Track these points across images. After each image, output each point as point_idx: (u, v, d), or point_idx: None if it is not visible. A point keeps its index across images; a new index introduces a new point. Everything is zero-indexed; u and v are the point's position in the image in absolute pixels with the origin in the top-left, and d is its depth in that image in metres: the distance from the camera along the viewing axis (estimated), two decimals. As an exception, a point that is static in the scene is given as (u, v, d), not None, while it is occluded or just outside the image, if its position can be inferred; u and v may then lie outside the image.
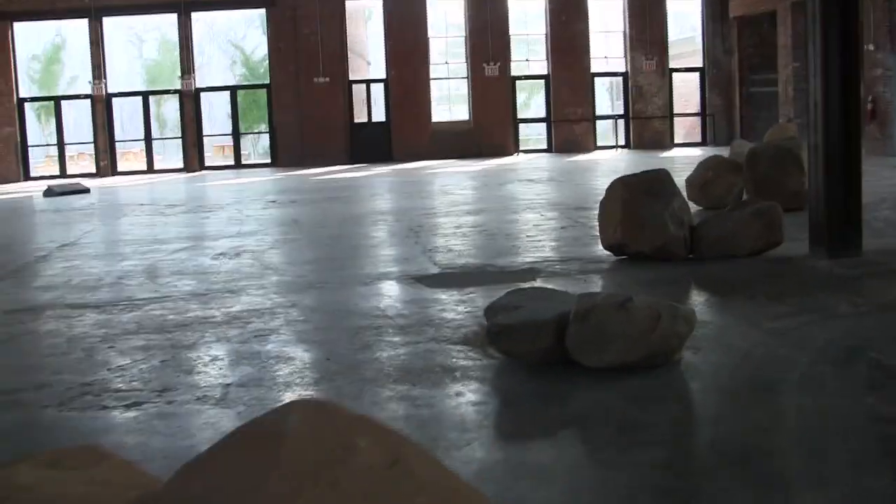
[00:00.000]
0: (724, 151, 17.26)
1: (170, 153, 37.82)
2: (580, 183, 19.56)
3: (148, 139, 34.62)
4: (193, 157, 33.88)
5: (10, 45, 32.65)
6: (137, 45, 54.58)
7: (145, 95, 34.84)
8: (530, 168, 25.85)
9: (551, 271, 9.07)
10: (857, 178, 9.10)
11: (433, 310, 7.45)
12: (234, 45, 53.00)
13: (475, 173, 24.71)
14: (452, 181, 22.08)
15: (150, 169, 34.23)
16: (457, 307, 7.46)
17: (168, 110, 49.19)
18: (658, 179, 9.46)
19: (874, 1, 24.83)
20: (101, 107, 33.23)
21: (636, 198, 9.27)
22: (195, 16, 44.82)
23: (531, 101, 42.95)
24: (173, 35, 52.81)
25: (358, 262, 10.37)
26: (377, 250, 11.33)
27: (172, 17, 40.77)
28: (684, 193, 13.73)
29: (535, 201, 16.05)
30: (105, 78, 33.28)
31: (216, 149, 38.31)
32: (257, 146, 42.26)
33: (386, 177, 25.10)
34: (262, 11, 34.28)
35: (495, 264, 9.68)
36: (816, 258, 9.02)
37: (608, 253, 9.59)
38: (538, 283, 8.36)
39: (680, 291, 8.01)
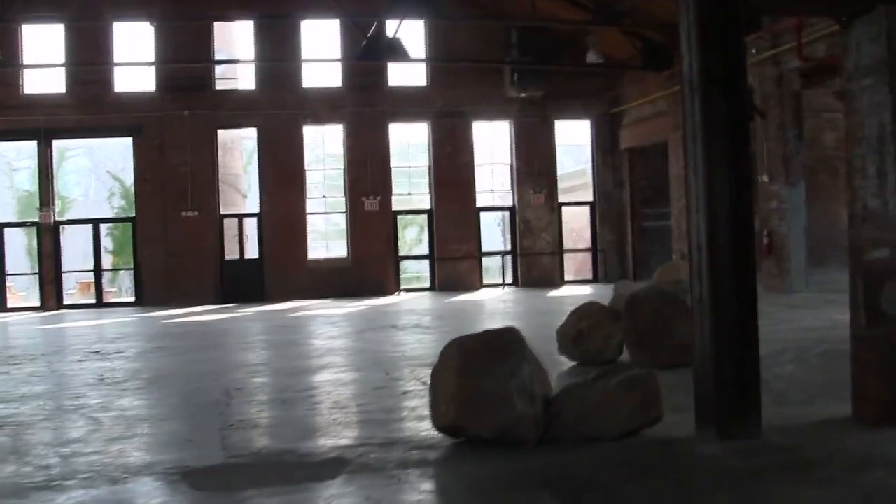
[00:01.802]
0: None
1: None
2: (447, 331, 17.45)
3: (2, 274, 31.85)
4: (50, 295, 31.20)
5: None
6: (9, 174, 52.12)
7: (0, 228, 32.12)
8: (405, 310, 23.80)
9: (362, 462, 6.93)
10: (753, 337, 7.17)
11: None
12: (113, 175, 50.70)
13: (345, 316, 22.61)
14: (315, 326, 19.98)
15: (3, 307, 31.42)
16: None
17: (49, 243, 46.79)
18: (503, 341, 7.44)
19: (766, 130, 23.61)
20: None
21: (475, 365, 7.24)
22: (60, 144, 42.87)
23: (419, 236, 41.26)
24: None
25: (126, 443, 8.06)
26: (167, 425, 9.03)
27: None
28: (555, 346, 11.83)
29: (388, 355, 13.94)
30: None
31: (82, 286, 35.66)
32: (125, 283, 39.77)
33: (247, 320, 22.86)
34: (129, 140, 32.04)
35: (298, 450, 7.52)
36: (704, 442, 7.03)
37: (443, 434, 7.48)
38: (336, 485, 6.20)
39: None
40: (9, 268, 33.47)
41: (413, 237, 42.17)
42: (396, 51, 26.13)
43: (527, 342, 7.52)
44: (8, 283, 33.94)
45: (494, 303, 25.89)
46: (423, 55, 31.66)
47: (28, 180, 50.73)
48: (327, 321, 21.13)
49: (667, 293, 11.24)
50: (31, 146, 33.34)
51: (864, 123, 7.16)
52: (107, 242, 45.01)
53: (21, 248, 41.30)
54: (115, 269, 37.93)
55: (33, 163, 48.36)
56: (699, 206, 7.07)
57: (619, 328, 11.17)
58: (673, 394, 7.99)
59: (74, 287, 36.04)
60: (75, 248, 35.88)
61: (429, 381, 7.75)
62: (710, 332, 7.01)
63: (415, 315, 21.83)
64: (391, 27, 25.71)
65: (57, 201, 49.21)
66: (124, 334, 19.54)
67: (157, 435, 8.53)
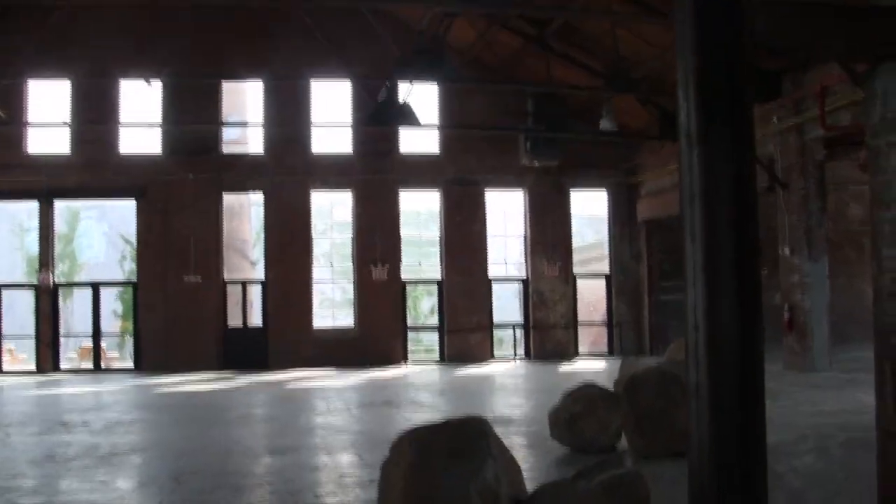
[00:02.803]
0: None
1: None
2: (444, 409, 16.35)
3: (-3, 337, 30.99)
4: (46, 358, 30.26)
5: None
6: (19, 234, 51.45)
7: (-3, 289, 31.22)
8: (407, 384, 22.72)
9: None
10: (759, 433, 6.03)
11: None
12: (125, 238, 49.96)
13: (343, 389, 21.53)
14: (307, 400, 18.94)
15: (-2, 370, 30.55)
16: None
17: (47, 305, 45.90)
18: (465, 433, 6.36)
19: (788, 202, 22.54)
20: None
21: (429, 462, 6.16)
22: (73, 205, 42.30)
23: (427, 306, 40.23)
24: (60, 226, 50.30)
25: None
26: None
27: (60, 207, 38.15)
28: (547, 431, 10.73)
29: (371, 435, 12.83)
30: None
31: (83, 350, 34.65)
32: (125, 350, 38.75)
33: (239, 391, 21.76)
34: (130, 202, 31.23)
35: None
36: (702, 558, 5.88)
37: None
38: None
39: None
40: (11, 329, 32.73)
41: (422, 307, 41.09)
42: (406, 116, 25.31)
43: (493, 435, 6.42)
44: (8, 346, 33.13)
45: (503, 377, 24.74)
46: (435, 122, 30.86)
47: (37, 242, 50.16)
48: (322, 395, 20.03)
49: (670, 374, 10.12)
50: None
51: (891, 184, 6.11)
52: (116, 306, 44.25)
53: (27, 310, 40.45)
54: (112, 335, 36.61)
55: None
56: (696, 278, 6.00)
57: (618, 412, 10.05)
58: (671, 490, 6.94)
59: (76, 351, 35.07)
60: (85, 311, 34.85)
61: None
62: (708, 426, 5.90)
63: (415, 390, 20.75)
64: (402, 92, 24.93)
65: (63, 263, 48.99)
66: (103, 404, 18.52)
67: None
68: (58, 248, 49.96)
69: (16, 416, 16.27)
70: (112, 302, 40.15)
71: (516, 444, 11.22)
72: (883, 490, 6.55)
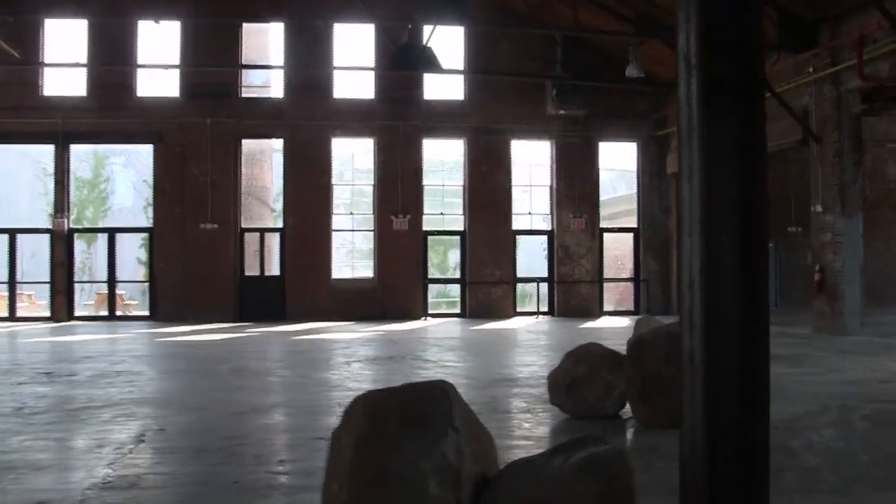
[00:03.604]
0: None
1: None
2: (452, 367, 15.54)
3: (12, 282, 30.47)
4: (61, 305, 29.77)
5: None
6: (43, 179, 50.85)
7: (12, 233, 30.65)
8: (425, 338, 22.00)
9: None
10: (761, 408, 5.19)
11: None
12: (149, 184, 49.31)
13: (353, 342, 20.80)
14: (312, 353, 18.16)
15: (12, 316, 30.07)
16: None
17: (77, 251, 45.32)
18: (426, 400, 5.56)
19: (822, 156, 21.50)
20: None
21: (382, 433, 5.36)
22: (89, 150, 41.63)
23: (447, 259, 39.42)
24: (85, 171, 49.77)
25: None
26: (31, 479, 7.22)
27: (82, 151, 37.49)
28: (545, 394, 9.91)
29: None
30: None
31: (100, 297, 34.10)
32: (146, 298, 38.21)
33: (247, 342, 21.08)
34: (150, 147, 30.54)
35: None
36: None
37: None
38: None
39: None
40: (35, 276, 32.33)
41: (451, 260, 40.20)
42: (429, 60, 24.48)
43: (459, 403, 5.59)
44: (27, 292, 32.69)
45: (522, 333, 23.93)
46: (460, 67, 29.89)
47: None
48: (330, 348, 19.30)
49: (678, 334, 9.24)
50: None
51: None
52: (140, 253, 43.67)
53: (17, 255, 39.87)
54: (136, 283, 36.03)
55: (74, 165, 47.42)
56: (693, 226, 5.16)
57: (622, 376, 9.21)
58: (666, 465, 6.16)
59: (93, 298, 34.58)
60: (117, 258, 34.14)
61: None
62: (703, 399, 5.08)
63: (427, 345, 19.99)
64: (425, 36, 24.05)
65: (88, 209, 48.51)
66: (99, 353, 17.88)
67: (5, 493, 6.72)
68: (83, 193, 49.81)
69: (4, 364, 15.64)
70: (136, 249, 39.46)
71: (513, 408, 10.42)
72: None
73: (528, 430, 9.09)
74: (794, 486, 6.51)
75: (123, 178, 53.60)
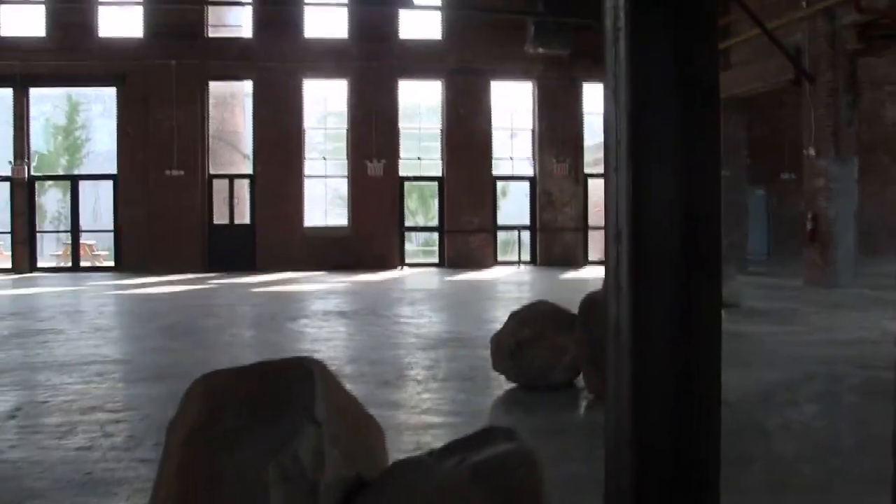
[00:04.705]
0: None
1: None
2: (411, 322, 14.32)
3: (-32, 232, 29.25)
4: (22, 256, 28.50)
5: None
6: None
7: (-28, 182, 29.31)
8: (392, 289, 20.81)
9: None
10: (708, 390, 3.91)
11: None
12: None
13: (319, 293, 19.65)
14: (270, 307, 16.90)
15: (-29, 269, 28.86)
16: None
17: (48, 200, 43.93)
18: (281, 384, 4.33)
19: (815, 96, 20.17)
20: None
21: (222, 425, 4.16)
22: (60, 93, 40.19)
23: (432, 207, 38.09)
24: (59, 118, 48.32)
25: None
26: None
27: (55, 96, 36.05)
28: (489, 359, 8.68)
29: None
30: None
31: (67, 248, 32.80)
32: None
33: (205, 295, 19.86)
34: (113, 91, 29.13)
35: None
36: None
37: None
38: None
39: None
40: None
41: (426, 206, 38.88)
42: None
43: (327, 387, 4.34)
44: (-2, 242, 31.42)
45: (498, 284, 22.75)
46: (437, 3, 28.45)
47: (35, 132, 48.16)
48: (286, 301, 18.06)
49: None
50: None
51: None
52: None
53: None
54: (90, 231, 34.35)
55: (46, 112, 45.91)
56: (619, 157, 3.91)
57: (574, 339, 7.98)
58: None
59: (61, 249, 33.28)
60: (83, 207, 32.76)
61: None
62: (631, 379, 3.84)
63: (392, 298, 18.75)
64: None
65: (63, 157, 47.13)
66: (37, 307, 16.72)
67: None
68: (57, 140, 48.42)
69: None
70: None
71: (454, 374, 9.19)
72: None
73: (463, 402, 7.87)
74: (762, 481, 5.33)
75: (102, 124, 52.18)
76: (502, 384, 8.39)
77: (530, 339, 8.14)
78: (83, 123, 49.55)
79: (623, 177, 3.94)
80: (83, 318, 14.86)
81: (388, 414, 7.13)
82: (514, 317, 8.46)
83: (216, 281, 23.78)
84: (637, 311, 3.79)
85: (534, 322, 8.26)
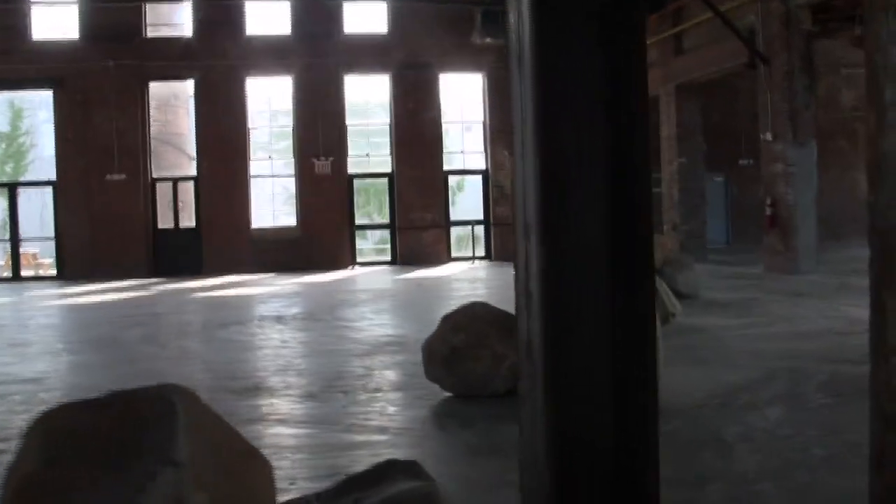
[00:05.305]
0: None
1: None
2: (349, 325, 13.61)
3: None
4: (-45, 268, 27.54)
5: None
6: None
7: None
8: (339, 290, 20.11)
9: None
10: (643, 410, 3.23)
11: None
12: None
13: (258, 297, 18.93)
14: (205, 315, 16.14)
15: None
16: None
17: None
18: (141, 417, 3.61)
19: (770, 79, 19.62)
20: None
21: (62, 473, 3.45)
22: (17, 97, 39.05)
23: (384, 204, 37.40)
24: (2, 125, 47.11)
25: None
26: None
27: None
28: (422, 364, 7.98)
29: (197, 374, 10.01)
30: None
31: (8, 258, 31.77)
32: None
33: (139, 303, 18.95)
34: (50, 94, 28.19)
35: None
36: None
37: None
38: None
39: None
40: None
41: (370, 204, 38.07)
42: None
43: (192, 422, 3.61)
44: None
45: (453, 281, 22.09)
46: (381, -3, 27.76)
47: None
48: (222, 307, 17.24)
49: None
50: None
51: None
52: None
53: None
54: (30, 240, 33.01)
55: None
56: (525, 135, 3.28)
57: (514, 344, 7.26)
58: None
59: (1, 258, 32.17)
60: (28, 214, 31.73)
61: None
62: (546, 419, 3.16)
63: (337, 299, 18.02)
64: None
65: (7, 164, 45.95)
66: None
67: None
68: (1, 148, 47.21)
69: None
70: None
71: (386, 384, 8.49)
72: (878, 469, 3.54)
73: (392, 416, 7.17)
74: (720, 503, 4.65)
75: (47, 130, 50.98)
76: (438, 394, 7.69)
77: (466, 346, 7.46)
78: (27, 129, 48.35)
79: (529, 162, 3.33)
80: (2, 333, 14.01)
81: (305, 432, 6.44)
82: (448, 320, 7.77)
83: (159, 287, 22.96)
84: (551, 324, 3.11)
85: (469, 327, 7.58)
